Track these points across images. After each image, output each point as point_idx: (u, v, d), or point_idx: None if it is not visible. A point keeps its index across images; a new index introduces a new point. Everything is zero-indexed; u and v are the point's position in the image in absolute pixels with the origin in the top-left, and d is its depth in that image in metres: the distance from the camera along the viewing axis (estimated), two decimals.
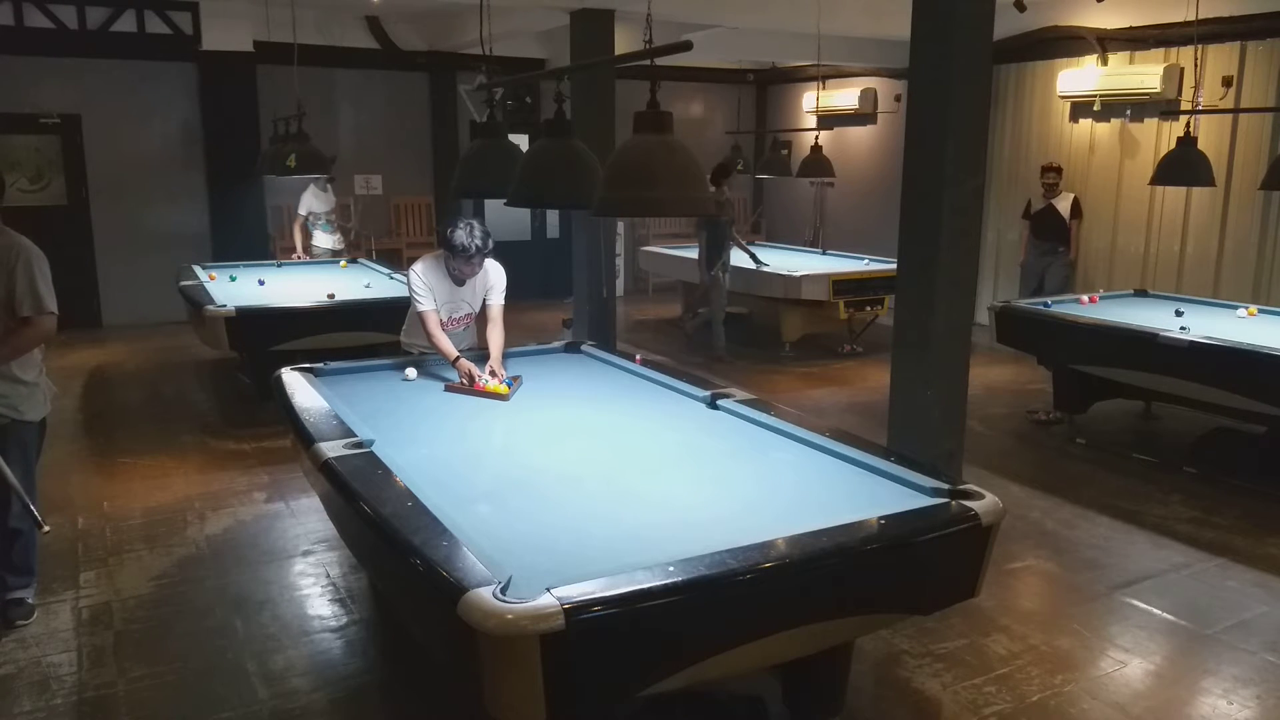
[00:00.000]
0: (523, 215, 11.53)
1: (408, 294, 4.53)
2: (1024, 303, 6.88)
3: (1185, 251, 8.26)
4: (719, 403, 3.91)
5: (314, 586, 4.15)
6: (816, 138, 9.25)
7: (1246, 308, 6.35)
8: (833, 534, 2.54)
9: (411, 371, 4.40)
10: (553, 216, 11.81)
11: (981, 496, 2.83)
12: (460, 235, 4.29)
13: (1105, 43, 8.57)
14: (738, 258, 8.69)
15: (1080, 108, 8.79)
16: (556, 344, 5.17)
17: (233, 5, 9.17)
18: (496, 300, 4.62)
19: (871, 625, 3.07)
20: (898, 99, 10.53)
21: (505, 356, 4.46)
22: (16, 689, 3.33)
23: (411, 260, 4.91)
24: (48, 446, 3.99)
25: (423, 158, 11.11)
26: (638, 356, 4.75)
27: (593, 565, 2.30)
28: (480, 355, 4.47)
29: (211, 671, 3.47)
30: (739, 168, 10.98)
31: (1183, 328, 5.55)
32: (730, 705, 3.28)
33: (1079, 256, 8.83)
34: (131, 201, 9.60)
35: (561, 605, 2.09)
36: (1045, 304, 6.63)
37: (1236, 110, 7.44)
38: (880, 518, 2.69)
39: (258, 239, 9.88)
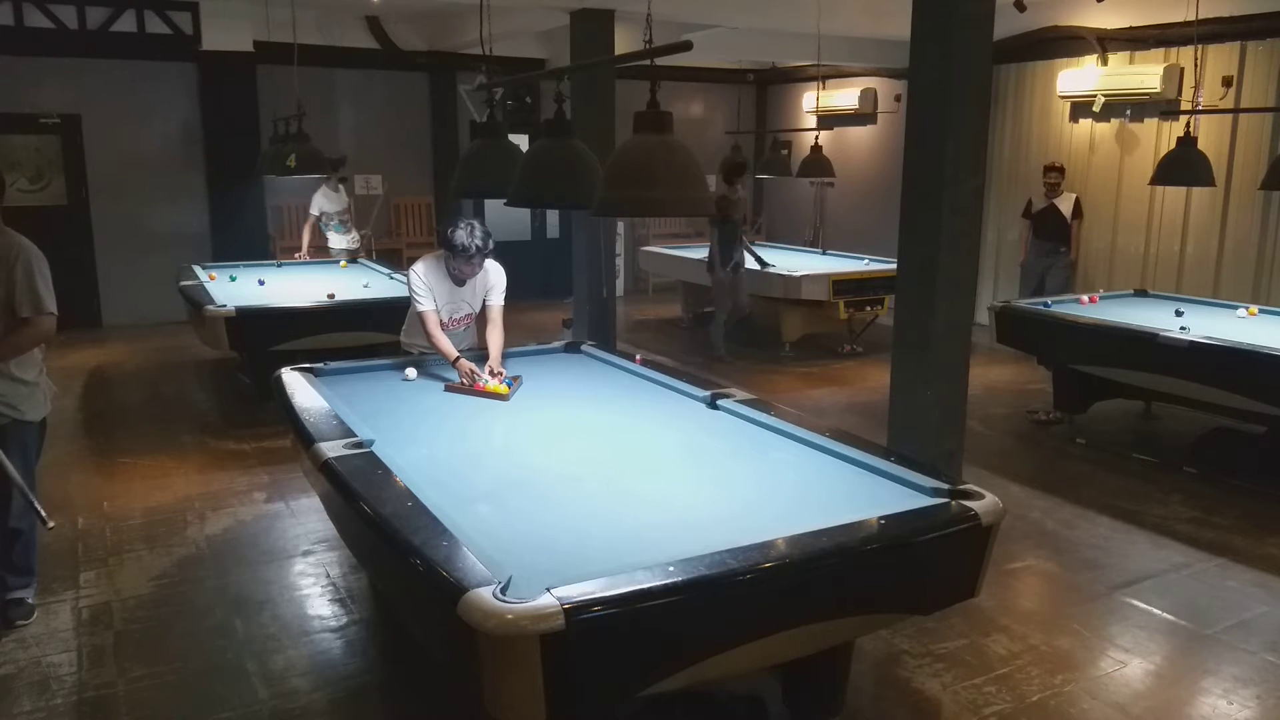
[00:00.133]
0: (523, 215, 11.53)
1: (407, 294, 4.54)
2: (1024, 303, 6.88)
3: (1185, 251, 8.26)
4: (719, 403, 3.91)
5: (314, 586, 4.15)
6: (816, 138, 9.24)
7: (1247, 308, 6.35)
8: (833, 534, 2.54)
9: (411, 371, 4.40)
10: (553, 216, 11.81)
11: (981, 496, 2.83)
12: (460, 235, 4.29)
13: (1105, 43, 8.57)
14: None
15: (1080, 108, 8.79)
16: (556, 344, 5.18)
17: (233, 5, 9.17)
18: (496, 301, 4.62)
19: (871, 625, 3.07)
20: (898, 99, 10.53)
21: (505, 356, 4.46)
22: (16, 689, 3.33)
23: (411, 260, 4.91)
24: (48, 446, 3.99)
25: (423, 158, 11.11)
26: (638, 356, 4.75)
27: (593, 565, 2.30)
28: (480, 355, 4.47)
29: (211, 671, 3.47)
30: None
31: (1183, 328, 5.55)
32: (730, 705, 3.28)
33: (1079, 256, 8.84)
34: (131, 201, 9.60)
35: (561, 605, 2.09)
36: (1045, 304, 6.63)
37: (1236, 110, 7.44)
38: (880, 518, 2.69)
39: (258, 239, 9.88)
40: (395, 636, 3.71)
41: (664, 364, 4.89)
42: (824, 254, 9.96)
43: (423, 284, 4.44)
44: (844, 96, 11.25)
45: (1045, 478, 5.59)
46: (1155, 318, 6.00)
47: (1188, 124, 5.82)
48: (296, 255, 8.64)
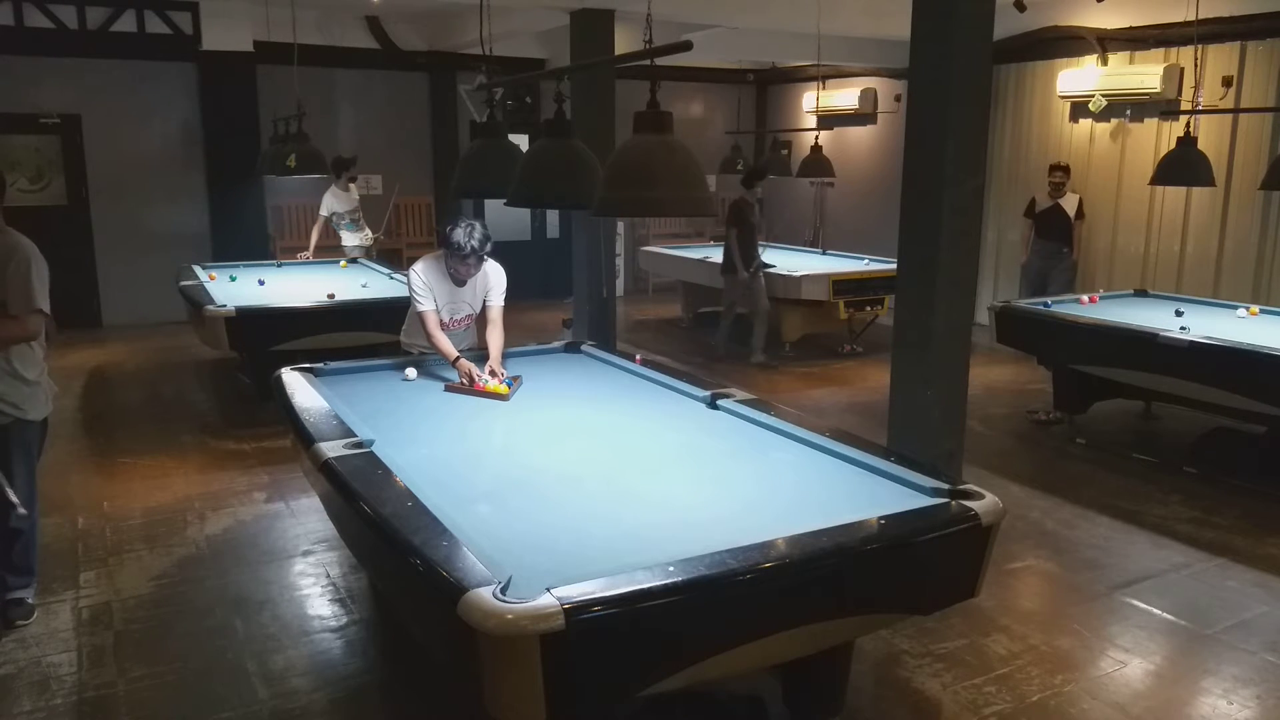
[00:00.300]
0: (523, 215, 11.53)
1: (407, 294, 4.54)
2: (1024, 303, 6.88)
3: (1185, 251, 8.26)
4: (719, 403, 3.91)
5: (314, 586, 4.15)
6: (816, 138, 9.25)
7: (1247, 308, 6.35)
8: (833, 534, 2.54)
9: (411, 371, 4.40)
10: (553, 216, 11.81)
11: (981, 496, 2.83)
12: (458, 235, 4.29)
13: (1105, 43, 8.57)
14: None
15: (1080, 108, 8.78)
16: (556, 344, 5.18)
17: (233, 5, 9.17)
18: (496, 301, 4.62)
19: (871, 625, 3.07)
20: (898, 99, 10.52)
21: (505, 356, 4.46)
22: (16, 689, 3.33)
23: (411, 260, 4.91)
24: (48, 446, 3.99)
25: (423, 158, 11.11)
26: (638, 356, 4.75)
27: (593, 565, 2.30)
28: (480, 355, 4.46)
29: (211, 671, 3.47)
30: (738, 167, 10.99)
31: (1183, 328, 5.55)
32: (730, 705, 3.28)
33: (1080, 257, 8.83)
34: (131, 201, 9.60)
35: (561, 605, 2.09)
36: (1045, 304, 6.63)
37: (1236, 110, 7.44)
38: (880, 518, 2.69)
39: (258, 239, 9.88)
40: (395, 636, 3.71)
41: (664, 364, 4.89)
42: (824, 254, 9.96)
43: (423, 284, 4.44)
44: (844, 96, 11.25)
45: (1045, 478, 5.59)
46: (1155, 318, 6.00)
47: (1188, 124, 5.81)
48: (301, 256, 8.61)
